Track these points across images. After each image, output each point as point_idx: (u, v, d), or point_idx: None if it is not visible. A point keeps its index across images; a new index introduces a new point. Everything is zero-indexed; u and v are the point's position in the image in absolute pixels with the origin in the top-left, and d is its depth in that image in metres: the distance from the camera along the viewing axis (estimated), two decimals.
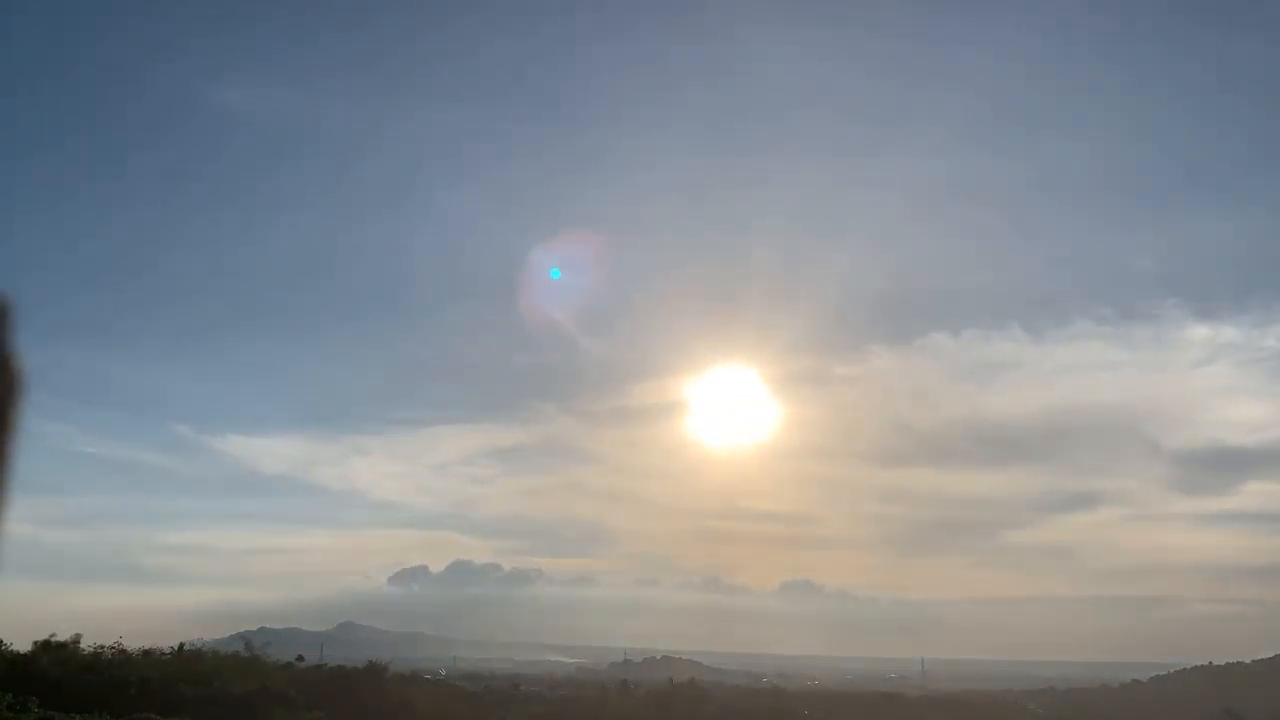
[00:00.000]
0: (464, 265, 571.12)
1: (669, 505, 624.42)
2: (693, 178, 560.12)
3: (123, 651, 68.72)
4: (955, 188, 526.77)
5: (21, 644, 66.08)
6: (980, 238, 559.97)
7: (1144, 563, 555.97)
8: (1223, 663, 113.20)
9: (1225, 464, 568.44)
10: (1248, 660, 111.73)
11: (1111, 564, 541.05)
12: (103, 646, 68.47)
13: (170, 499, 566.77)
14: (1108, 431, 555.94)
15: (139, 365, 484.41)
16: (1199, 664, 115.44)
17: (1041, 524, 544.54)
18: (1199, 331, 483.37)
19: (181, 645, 72.99)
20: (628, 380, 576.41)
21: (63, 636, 67.49)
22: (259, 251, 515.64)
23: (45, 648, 65.99)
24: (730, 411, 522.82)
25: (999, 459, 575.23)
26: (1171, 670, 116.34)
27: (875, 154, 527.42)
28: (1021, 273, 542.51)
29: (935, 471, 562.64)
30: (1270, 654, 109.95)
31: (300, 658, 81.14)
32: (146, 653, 69.91)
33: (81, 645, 67.68)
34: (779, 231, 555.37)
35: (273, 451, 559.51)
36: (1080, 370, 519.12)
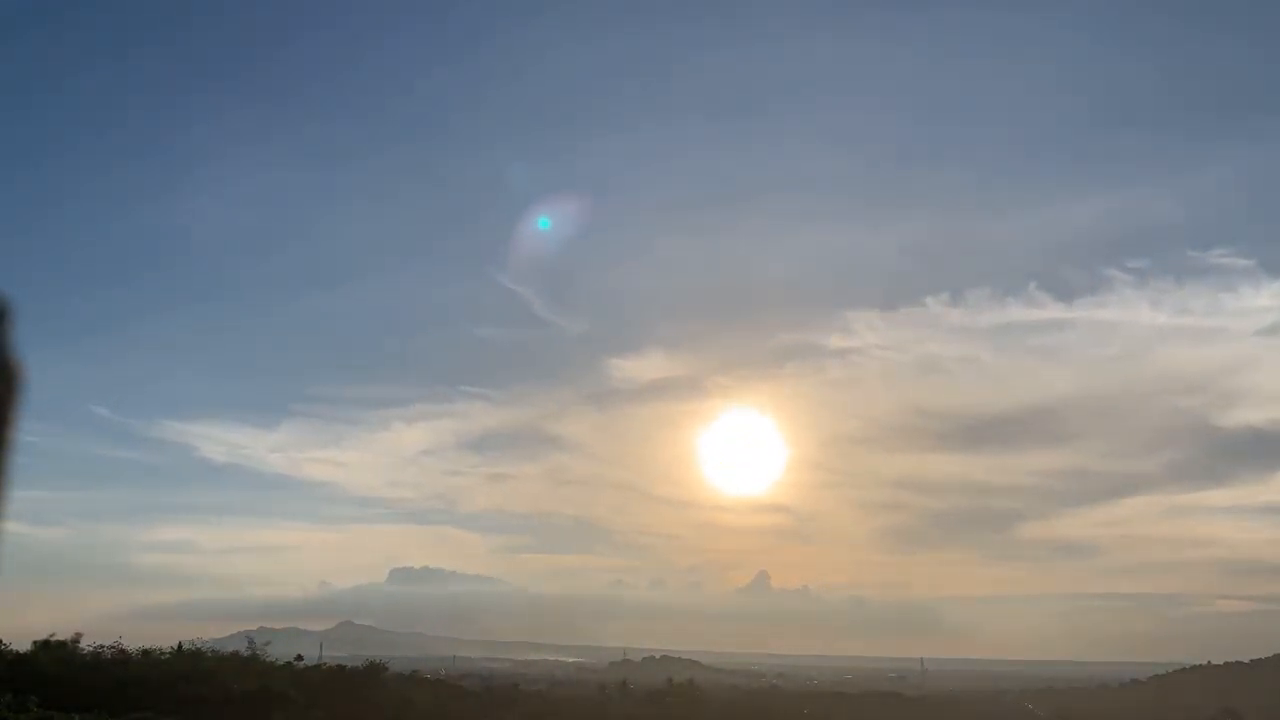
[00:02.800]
0: (418, 229, 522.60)
1: (660, 495, 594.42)
2: (678, 141, 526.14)
3: (122, 651, 68.64)
4: (944, 137, 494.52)
5: (20, 644, 66.11)
6: (981, 188, 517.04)
7: (1167, 558, 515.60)
8: (1222, 662, 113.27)
9: (1263, 449, 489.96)
10: (1247, 660, 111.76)
11: (1133, 559, 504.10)
12: (103, 646, 68.45)
13: (120, 491, 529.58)
14: (1140, 411, 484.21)
15: (38, 341, 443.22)
16: (1198, 664, 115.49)
17: (1059, 516, 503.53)
18: (1265, 292, 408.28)
19: (181, 645, 72.96)
20: (607, 356, 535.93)
21: (62, 636, 67.52)
22: (178, 216, 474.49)
23: (45, 647, 65.94)
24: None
25: (1009, 444, 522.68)
26: (1171, 670, 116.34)
27: (864, 105, 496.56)
28: (1034, 224, 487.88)
29: (942, 458, 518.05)
30: (1269, 654, 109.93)
31: (300, 657, 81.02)
32: (146, 652, 69.81)
33: (81, 645, 67.66)
34: (764, 193, 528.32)
35: (215, 438, 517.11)
36: (1116, 336, 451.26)
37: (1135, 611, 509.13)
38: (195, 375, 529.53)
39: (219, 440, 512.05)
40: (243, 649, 74.03)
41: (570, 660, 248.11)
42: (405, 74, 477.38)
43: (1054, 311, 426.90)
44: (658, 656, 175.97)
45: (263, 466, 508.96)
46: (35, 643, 66.28)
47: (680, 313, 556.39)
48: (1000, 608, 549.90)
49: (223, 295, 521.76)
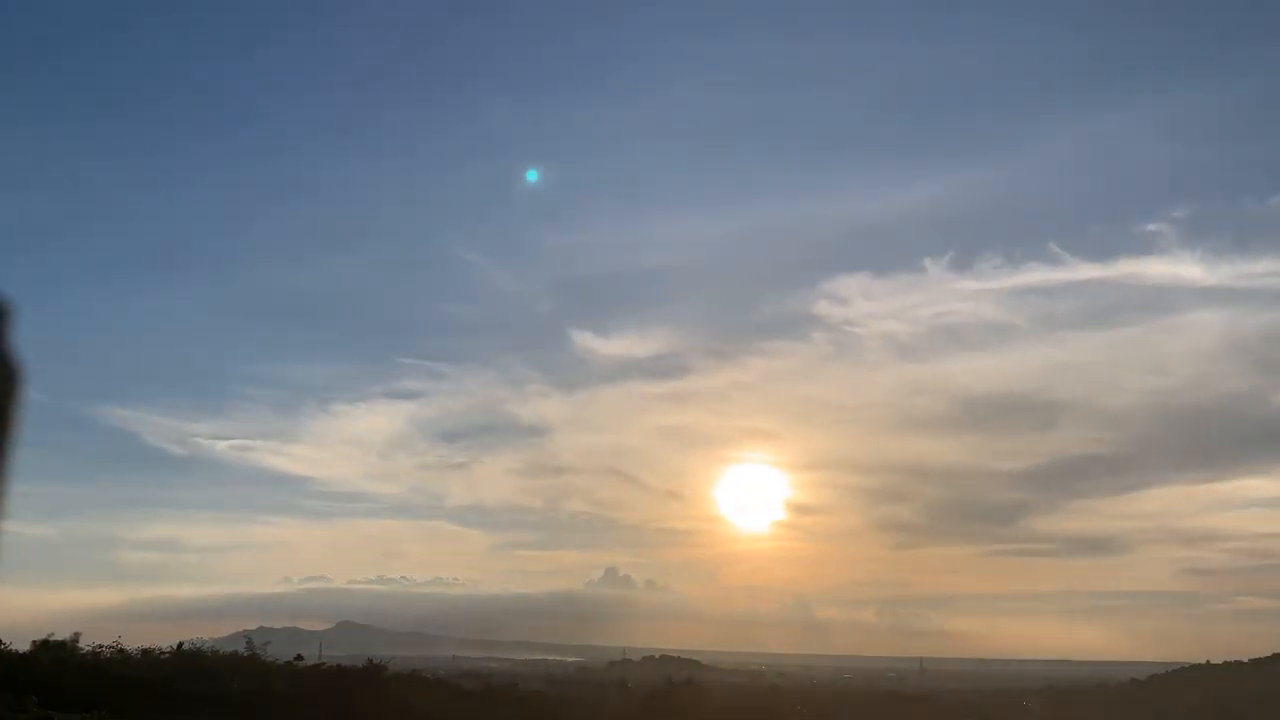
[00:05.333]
0: (367, 196, 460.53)
1: (649, 485, 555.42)
2: (647, 105, 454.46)
3: (122, 651, 68.68)
4: (926, 78, 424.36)
5: (19, 643, 66.17)
6: (978, 135, 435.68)
7: (1189, 553, 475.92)
8: (1221, 662, 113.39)
9: None
10: (1246, 660, 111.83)
11: (1154, 554, 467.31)
12: (102, 646, 68.50)
13: (78, 482, 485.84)
14: (1177, 389, 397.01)
15: None
16: (1198, 663, 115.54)
17: (1074, 508, 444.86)
18: None
19: (180, 645, 72.96)
20: (579, 333, 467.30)
21: (60, 636, 67.60)
22: (92, 175, 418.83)
23: (44, 647, 65.96)
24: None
25: (1021, 426, 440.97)
26: (1171, 670, 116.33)
27: (851, 43, 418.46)
28: (1046, 170, 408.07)
29: (946, 442, 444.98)
30: (1269, 654, 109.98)
31: (300, 657, 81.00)
32: (145, 652, 69.84)
33: (80, 645, 67.70)
34: (745, 144, 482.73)
35: (158, 426, 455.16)
36: (1152, 298, 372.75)
37: (1149, 609, 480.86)
38: (115, 356, 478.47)
39: (163, 428, 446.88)
40: (242, 649, 74.01)
41: (570, 660, 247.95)
42: (359, 37, 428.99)
43: (1080, 272, 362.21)
44: (657, 656, 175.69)
45: (222, 457, 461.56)
46: (34, 642, 66.32)
47: (653, 285, 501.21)
48: (1005, 606, 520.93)
49: (145, 270, 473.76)
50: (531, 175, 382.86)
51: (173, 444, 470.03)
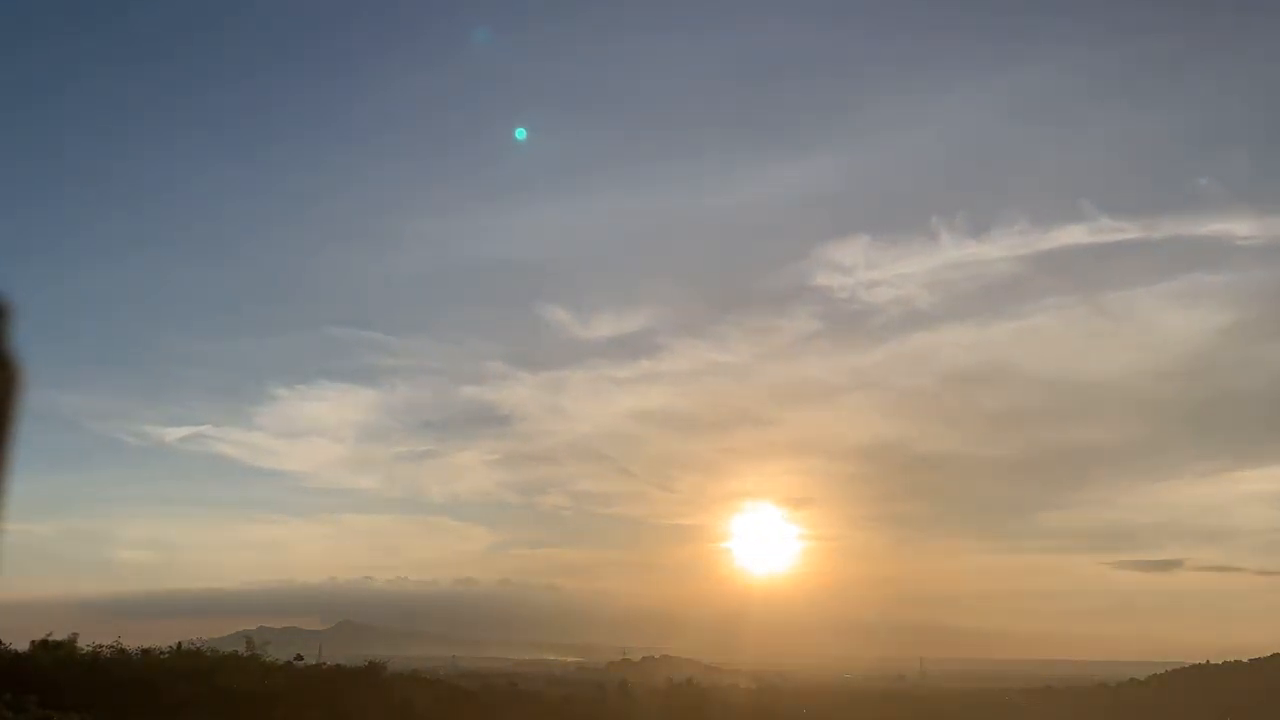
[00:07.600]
0: (312, 156, 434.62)
1: (641, 478, 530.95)
2: (626, 59, 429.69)
3: (121, 650, 68.67)
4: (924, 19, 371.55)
5: (19, 643, 66.18)
6: (992, 70, 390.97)
7: (1205, 547, 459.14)
8: (1220, 662, 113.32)
9: None
10: (1246, 660, 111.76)
11: (1165, 550, 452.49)
12: (101, 645, 68.49)
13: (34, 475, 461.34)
14: (1210, 370, 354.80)
15: None
16: (1198, 663, 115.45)
17: (1089, 501, 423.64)
18: None
19: (180, 644, 72.95)
20: (554, 312, 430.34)
21: (59, 635, 67.60)
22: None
23: (44, 646, 65.95)
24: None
25: (1036, 413, 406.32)
26: (1171, 670, 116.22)
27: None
28: (1079, 130, 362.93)
29: (951, 431, 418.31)
30: (1269, 654, 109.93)
31: (299, 657, 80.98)
32: (145, 652, 69.84)
33: (79, 644, 67.67)
34: (721, 114, 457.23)
35: (103, 413, 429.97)
36: (1192, 268, 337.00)
37: (1159, 606, 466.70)
38: (39, 336, 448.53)
39: (103, 411, 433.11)
40: (242, 649, 74.00)
41: (570, 660, 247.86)
42: (293, 8, 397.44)
43: (1111, 234, 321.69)
44: (657, 656, 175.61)
45: (180, 449, 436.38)
46: (34, 642, 66.34)
47: (632, 259, 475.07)
48: (1012, 604, 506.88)
49: (70, 247, 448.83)
50: (520, 134, 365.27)
51: (124, 434, 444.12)
